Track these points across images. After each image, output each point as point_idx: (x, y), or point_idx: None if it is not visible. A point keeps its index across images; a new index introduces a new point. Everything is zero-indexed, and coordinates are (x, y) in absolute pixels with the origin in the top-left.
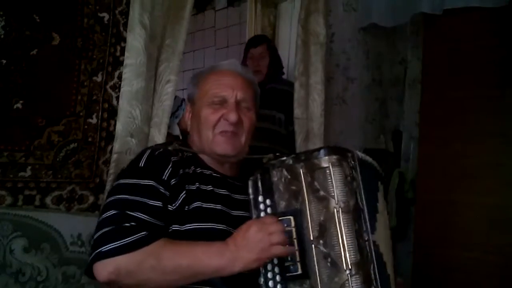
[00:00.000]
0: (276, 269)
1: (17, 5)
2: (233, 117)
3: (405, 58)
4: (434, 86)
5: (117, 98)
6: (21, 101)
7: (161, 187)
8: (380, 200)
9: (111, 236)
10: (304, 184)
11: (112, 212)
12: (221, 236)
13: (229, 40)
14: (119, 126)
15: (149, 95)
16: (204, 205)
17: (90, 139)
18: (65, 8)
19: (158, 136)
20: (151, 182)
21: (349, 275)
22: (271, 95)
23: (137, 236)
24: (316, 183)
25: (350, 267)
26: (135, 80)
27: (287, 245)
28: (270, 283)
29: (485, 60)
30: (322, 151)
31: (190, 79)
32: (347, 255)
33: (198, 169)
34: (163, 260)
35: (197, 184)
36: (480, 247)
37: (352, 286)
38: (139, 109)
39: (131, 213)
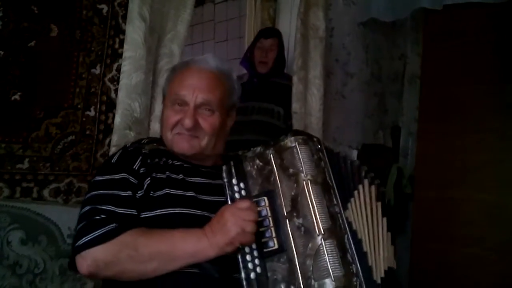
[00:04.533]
0: (254, 246)
1: None
2: (188, 123)
3: (404, 54)
4: (433, 81)
5: (116, 91)
6: (19, 93)
7: (131, 177)
8: (363, 194)
9: (84, 230)
10: (274, 166)
11: (86, 208)
12: (190, 221)
13: (228, 34)
14: (117, 119)
15: (148, 88)
16: (173, 191)
17: (88, 132)
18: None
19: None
20: (123, 175)
21: (322, 239)
22: (273, 88)
23: (107, 228)
24: (285, 162)
25: (322, 232)
26: (135, 73)
27: (258, 224)
28: (248, 260)
29: (485, 56)
30: (288, 134)
31: (168, 72)
32: (319, 221)
33: (169, 160)
34: (140, 248)
35: (167, 173)
36: (478, 243)
37: (326, 250)
38: (138, 102)
39: (101, 206)
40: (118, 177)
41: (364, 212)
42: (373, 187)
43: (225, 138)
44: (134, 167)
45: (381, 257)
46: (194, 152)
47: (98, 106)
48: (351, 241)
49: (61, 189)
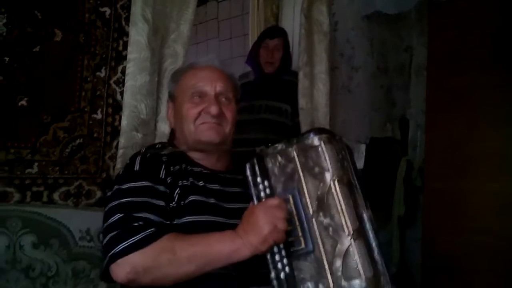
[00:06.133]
0: (281, 245)
1: (18, 2)
2: (214, 110)
3: (410, 45)
4: (439, 72)
5: (121, 93)
6: (25, 98)
7: (160, 186)
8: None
9: (121, 237)
10: (298, 165)
11: (118, 216)
12: (218, 229)
13: (232, 32)
14: (124, 121)
15: (153, 89)
16: (198, 198)
17: (95, 135)
18: (66, 4)
19: (167, 130)
20: (148, 183)
21: (351, 240)
22: (278, 86)
23: (146, 233)
24: (310, 161)
25: (351, 232)
26: (139, 75)
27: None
28: (278, 260)
29: (490, 45)
30: (311, 133)
31: (170, 76)
32: (348, 221)
33: (188, 166)
34: (178, 252)
35: (190, 179)
36: (488, 233)
37: (356, 251)
38: (144, 103)
39: (136, 214)
40: (143, 184)
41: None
42: None
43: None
44: (160, 175)
45: None
46: (220, 140)
47: (105, 108)
48: (375, 240)
49: (71, 192)
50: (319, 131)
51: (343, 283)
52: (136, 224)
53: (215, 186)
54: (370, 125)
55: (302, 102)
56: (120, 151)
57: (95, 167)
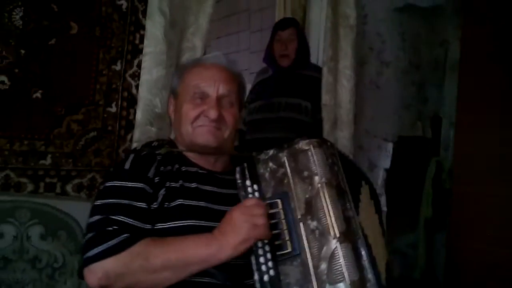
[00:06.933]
0: (267, 248)
1: None
2: (213, 114)
3: (446, 40)
4: (473, 69)
5: (137, 86)
6: (40, 91)
7: (146, 187)
8: (364, 195)
9: (95, 241)
10: (288, 169)
11: (96, 217)
12: (203, 233)
13: (262, 23)
14: (138, 115)
15: (169, 83)
16: (186, 202)
17: (109, 128)
18: None
19: None
20: (139, 185)
21: (338, 242)
22: (298, 82)
23: (120, 238)
24: (299, 165)
25: (338, 235)
26: (155, 69)
27: (272, 227)
28: (262, 263)
29: None
30: (302, 139)
31: (174, 71)
32: (334, 224)
33: (183, 167)
34: (151, 258)
35: (180, 182)
36: None
37: (342, 253)
38: (159, 97)
39: (113, 217)
40: (134, 185)
41: (367, 215)
42: (367, 186)
43: (235, 136)
44: (148, 175)
45: (380, 256)
46: (217, 144)
47: (120, 102)
48: (364, 246)
49: (84, 185)
50: (310, 137)
51: (328, 286)
52: (110, 228)
53: (209, 188)
54: (399, 122)
55: (325, 98)
56: (134, 145)
57: (109, 160)
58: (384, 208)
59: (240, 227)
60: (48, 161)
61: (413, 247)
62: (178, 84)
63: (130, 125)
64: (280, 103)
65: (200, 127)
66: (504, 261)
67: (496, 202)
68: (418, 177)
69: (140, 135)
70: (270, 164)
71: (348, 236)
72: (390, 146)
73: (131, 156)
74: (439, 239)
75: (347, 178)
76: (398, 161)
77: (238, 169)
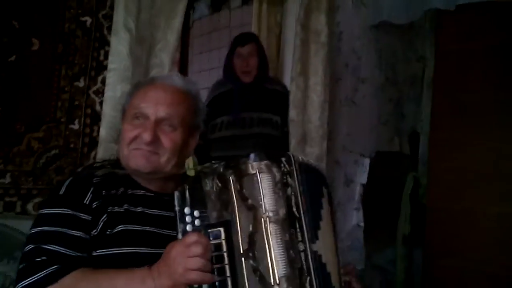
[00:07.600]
0: (204, 286)
1: None
2: (146, 137)
3: (423, 56)
4: (446, 87)
5: (101, 103)
6: None
7: (81, 214)
8: (324, 206)
9: (25, 272)
10: (233, 193)
11: (29, 247)
12: (146, 260)
13: None
14: (102, 132)
15: None
16: (130, 227)
17: (72, 145)
18: (46, 13)
19: None
20: (68, 211)
21: None
22: (264, 96)
23: (49, 270)
24: (245, 191)
25: (278, 281)
26: (120, 85)
27: (211, 267)
28: None
29: (495, 59)
30: (251, 157)
31: (129, 88)
32: (275, 268)
33: (129, 190)
34: None
35: (125, 206)
36: (489, 263)
37: None
38: None
39: (44, 246)
40: (64, 212)
41: (328, 233)
42: (326, 191)
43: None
44: (85, 201)
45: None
46: (151, 170)
47: (83, 119)
48: (315, 283)
49: None
50: (260, 156)
51: None
52: (39, 259)
53: (156, 212)
54: (376, 138)
55: (292, 113)
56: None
57: None
58: (362, 224)
59: (175, 270)
60: (8, 179)
61: (393, 263)
62: (127, 102)
63: (94, 142)
64: (252, 118)
65: (134, 150)
66: (479, 278)
67: (471, 218)
68: (396, 192)
69: (103, 153)
70: (216, 181)
71: (293, 280)
72: (367, 161)
73: (68, 180)
74: (418, 255)
75: (307, 194)
76: (375, 176)
77: (176, 193)
